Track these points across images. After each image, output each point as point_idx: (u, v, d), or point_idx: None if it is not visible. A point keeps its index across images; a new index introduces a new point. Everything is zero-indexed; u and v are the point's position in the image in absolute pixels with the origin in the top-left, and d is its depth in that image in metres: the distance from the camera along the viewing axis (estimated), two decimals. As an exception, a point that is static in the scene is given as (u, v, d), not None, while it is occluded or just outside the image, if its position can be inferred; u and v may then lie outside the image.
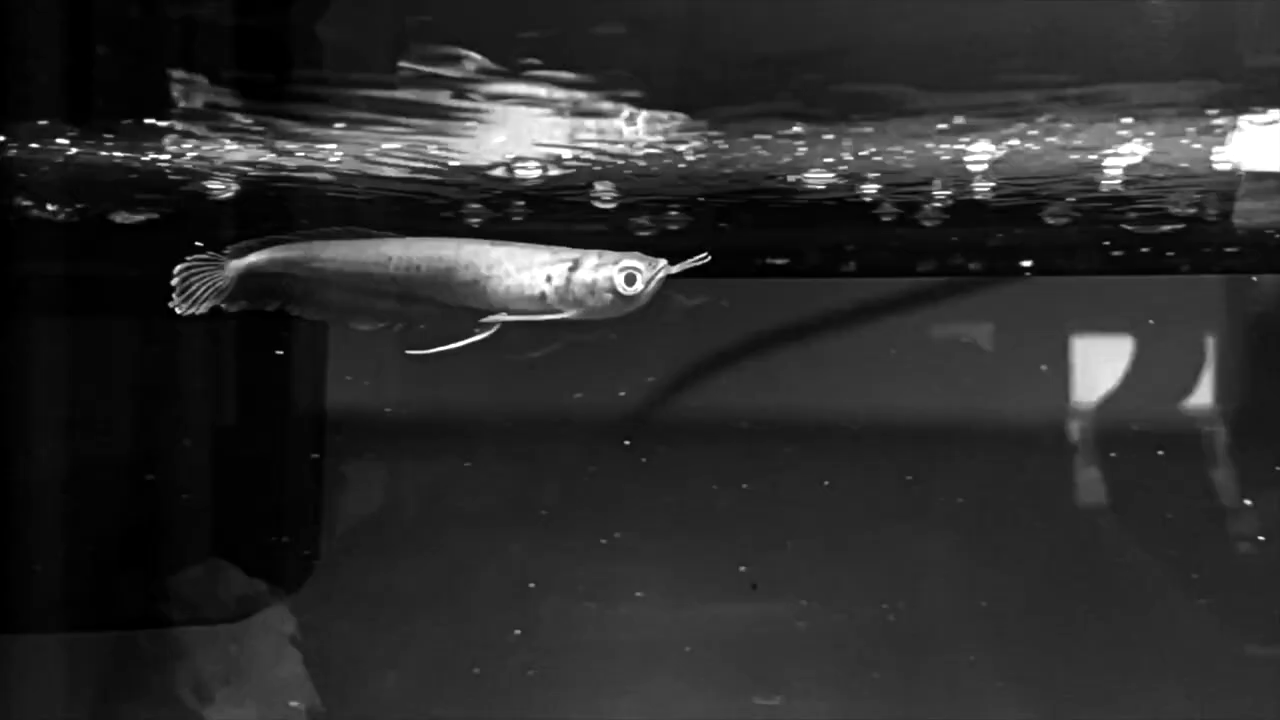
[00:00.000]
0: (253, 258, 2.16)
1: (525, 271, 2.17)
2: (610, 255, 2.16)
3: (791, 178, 2.60)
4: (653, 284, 2.12)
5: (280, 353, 3.14)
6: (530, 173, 2.59)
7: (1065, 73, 2.22)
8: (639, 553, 3.21)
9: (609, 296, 2.14)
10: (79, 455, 3.08)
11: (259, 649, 3.12)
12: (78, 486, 3.06)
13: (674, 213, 2.78)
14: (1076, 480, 3.22)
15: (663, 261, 2.13)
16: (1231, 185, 2.67)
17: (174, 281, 2.11)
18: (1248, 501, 3.16)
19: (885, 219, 2.73)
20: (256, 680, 3.10)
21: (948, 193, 2.65)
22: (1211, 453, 3.20)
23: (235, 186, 2.67)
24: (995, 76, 2.23)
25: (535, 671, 3.19)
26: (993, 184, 2.60)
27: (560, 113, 2.38)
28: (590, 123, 2.40)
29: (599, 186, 2.65)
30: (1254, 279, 3.19)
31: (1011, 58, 2.20)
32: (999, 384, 3.21)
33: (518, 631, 3.20)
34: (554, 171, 2.59)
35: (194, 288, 2.13)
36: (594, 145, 2.49)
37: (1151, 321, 3.20)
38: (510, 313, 2.14)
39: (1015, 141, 2.40)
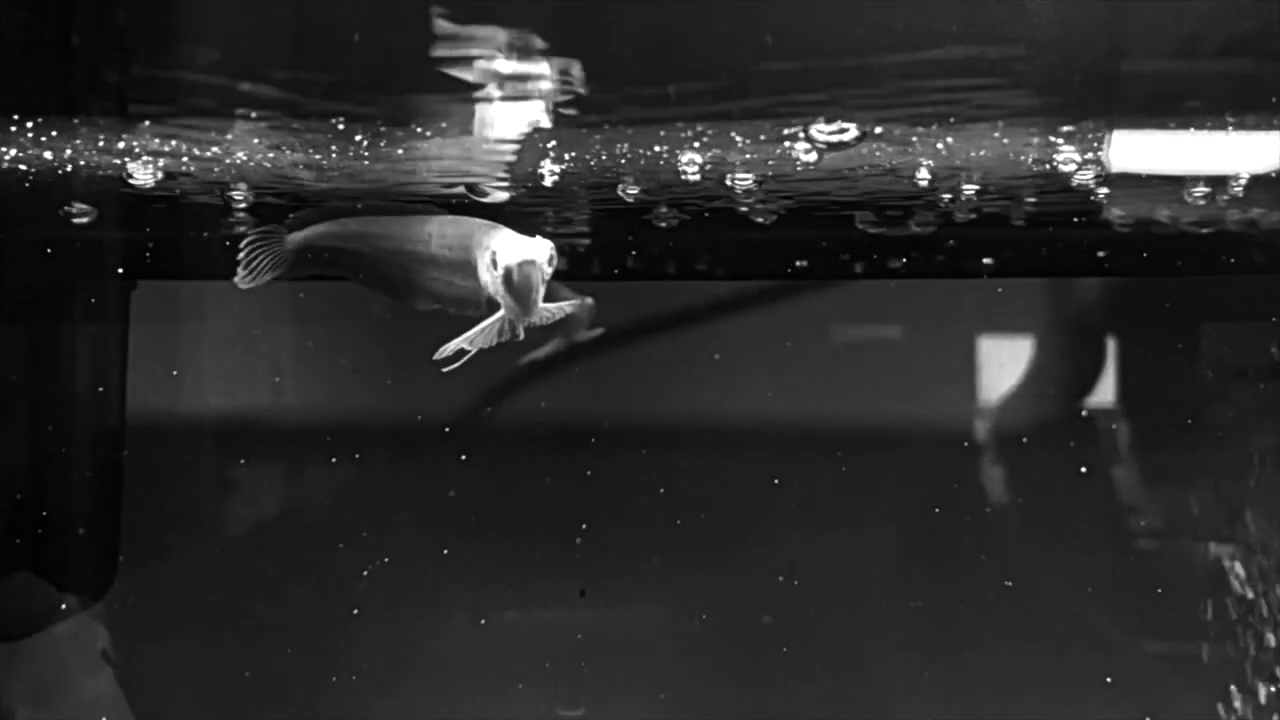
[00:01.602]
0: (310, 230, 2.12)
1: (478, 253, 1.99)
2: (512, 243, 1.93)
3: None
4: (524, 280, 1.87)
5: (77, 353, 2.96)
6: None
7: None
8: (464, 559, 3.05)
9: (500, 293, 1.93)
10: None
11: (66, 665, 2.91)
12: None
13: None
14: (960, 478, 3.13)
15: (534, 253, 1.91)
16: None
17: (239, 255, 2.09)
18: (1141, 498, 3.13)
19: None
20: (64, 699, 2.90)
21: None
22: (1105, 450, 3.15)
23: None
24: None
25: (344, 680, 3.06)
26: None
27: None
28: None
29: None
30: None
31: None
32: (856, 385, 3.11)
33: (343, 615, 3.06)
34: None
35: (256, 260, 2.09)
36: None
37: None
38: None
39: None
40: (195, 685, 3.04)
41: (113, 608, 2.96)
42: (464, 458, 3.01)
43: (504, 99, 2.18)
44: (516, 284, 1.92)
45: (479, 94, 2.18)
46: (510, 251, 1.93)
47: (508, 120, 2.26)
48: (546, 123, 2.26)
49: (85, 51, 2.14)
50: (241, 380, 3.07)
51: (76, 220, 2.51)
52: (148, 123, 2.27)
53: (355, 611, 3.05)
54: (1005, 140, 2.28)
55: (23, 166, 2.37)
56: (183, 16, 2.07)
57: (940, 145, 2.25)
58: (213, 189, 2.45)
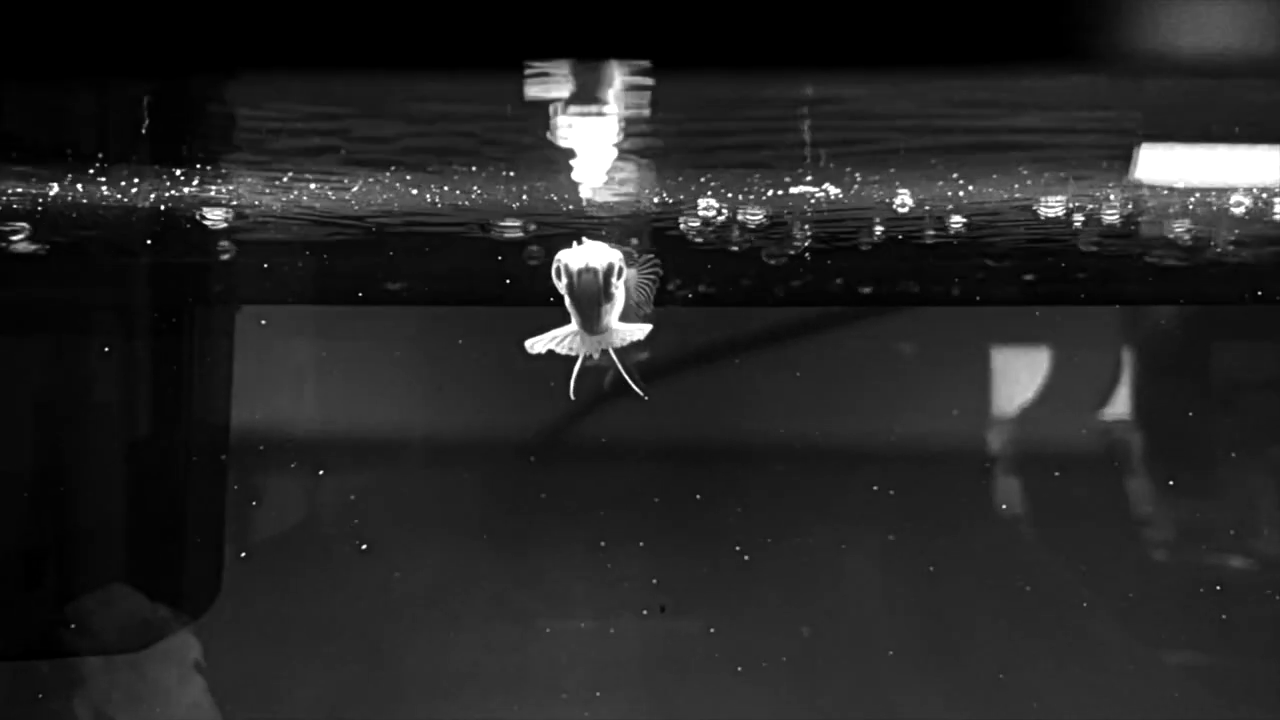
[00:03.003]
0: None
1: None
2: (577, 252, 1.94)
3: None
4: (583, 288, 1.89)
5: (184, 368, 3.05)
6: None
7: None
8: (550, 573, 3.14)
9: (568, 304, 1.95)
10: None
11: (162, 678, 3.03)
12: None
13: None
14: (985, 493, 3.19)
15: (595, 261, 1.91)
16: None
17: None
18: (1152, 510, 3.17)
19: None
20: (159, 710, 3.02)
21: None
22: (1120, 466, 3.20)
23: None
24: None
25: (443, 696, 3.12)
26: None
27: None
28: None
29: None
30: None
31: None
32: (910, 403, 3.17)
33: (429, 653, 3.13)
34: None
35: None
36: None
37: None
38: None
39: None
40: (285, 698, 3.12)
41: (212, 622, 3.06)
42: (547, 477, 3.11)
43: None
44: (576, 292, 1.93)
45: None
46: (571, 259, 1.93)
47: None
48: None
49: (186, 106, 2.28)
50: (336, 400, 3.17)
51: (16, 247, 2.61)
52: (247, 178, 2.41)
53: (452, 625, 3.14)
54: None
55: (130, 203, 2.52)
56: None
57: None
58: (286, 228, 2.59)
